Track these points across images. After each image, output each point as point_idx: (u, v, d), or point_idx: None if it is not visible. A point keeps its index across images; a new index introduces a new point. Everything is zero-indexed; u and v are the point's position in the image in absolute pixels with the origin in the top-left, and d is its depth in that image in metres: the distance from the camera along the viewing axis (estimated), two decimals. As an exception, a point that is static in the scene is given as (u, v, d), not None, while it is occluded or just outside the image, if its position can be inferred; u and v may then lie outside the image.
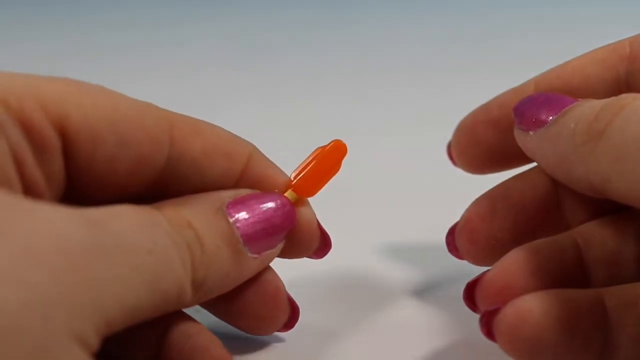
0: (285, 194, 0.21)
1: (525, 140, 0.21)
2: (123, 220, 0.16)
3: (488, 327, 0.19)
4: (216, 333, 0.20)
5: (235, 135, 0.21)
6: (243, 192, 0.20)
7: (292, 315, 0.22)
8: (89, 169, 0.18)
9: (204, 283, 0.18)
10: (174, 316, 0.19)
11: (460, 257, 0.23)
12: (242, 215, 0.19)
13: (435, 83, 0.54)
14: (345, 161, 0.22)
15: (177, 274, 0.17)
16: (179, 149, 0.19)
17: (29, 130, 0.17)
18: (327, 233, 0.22)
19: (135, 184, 0.19)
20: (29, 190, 0.17)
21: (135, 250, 0.16)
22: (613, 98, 0.19)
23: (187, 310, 0.20)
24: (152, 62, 0.63)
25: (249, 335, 0.22)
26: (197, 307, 0.22)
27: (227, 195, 0.20)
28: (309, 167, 0.22)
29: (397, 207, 0.33)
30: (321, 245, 0.22)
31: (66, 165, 0.18)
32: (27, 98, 0.17)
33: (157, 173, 0.19)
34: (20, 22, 0.80)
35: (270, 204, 0.20)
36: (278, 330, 0.22)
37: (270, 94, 0.53)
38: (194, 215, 0.19)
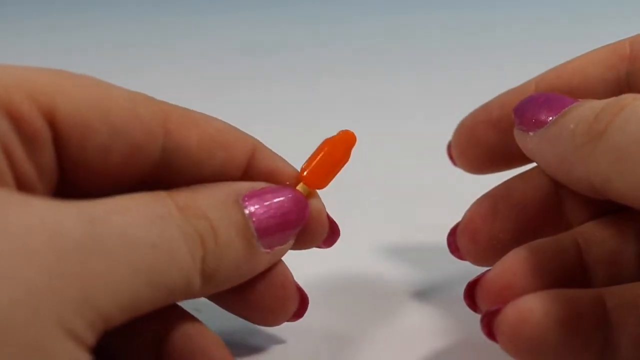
0: (297, 188, 0.20)
1: (525, 140, 0.21)
2: (127, 214, 0.16)
3: (489, 328, 0.19)
4: (216, 333, 0.20)
5: (235, 127, 0.20)
6: (259, 185, 0.20)
7: (302, 304, 0.22)
8: (81, 160, 0.18)
9: (215, 275, 0.18)
10: (175, 316, 0.19)
11: (461, 257, 0.23)
12: (258, 209, 0.19)
13: (436, 83, 0.54)
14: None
15: (184, 265, 0.17)
16: (174, 140, 0.19)
17: (17, 120, 0.16)
18: (335, 222, 0.22)
19: (129, 176, 0.19)
20: (21, 184, 0.17)
21: (135, 244, 0.16)
22: (613, 98, 0.19)
23: (189, 310, 0.20)
24: (152, 60, 0.63)
25: (249, 337, 0.22)
26: (198, 306, 0.22)
27: (244, 187, 0.19)
28: (318, 158, 0.21)
29: (397, 207, 0.33)
30: (330, 234, 0.22)
31: (58, 157, 0.17)
32: (15, 88, 0.16)
33: (151, 164, 0.19)
34: (16, 21, 0.80)
35: (286, 199, 0.20)
36: (287, 320, 0.21)
37: (270, 90, 0.53)
38: (210, 205, 0.18)
